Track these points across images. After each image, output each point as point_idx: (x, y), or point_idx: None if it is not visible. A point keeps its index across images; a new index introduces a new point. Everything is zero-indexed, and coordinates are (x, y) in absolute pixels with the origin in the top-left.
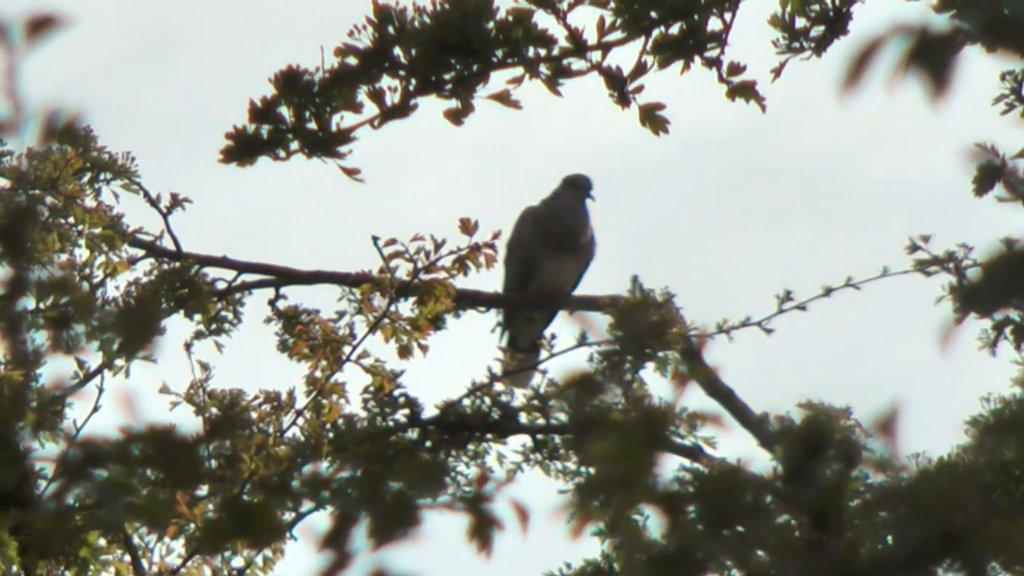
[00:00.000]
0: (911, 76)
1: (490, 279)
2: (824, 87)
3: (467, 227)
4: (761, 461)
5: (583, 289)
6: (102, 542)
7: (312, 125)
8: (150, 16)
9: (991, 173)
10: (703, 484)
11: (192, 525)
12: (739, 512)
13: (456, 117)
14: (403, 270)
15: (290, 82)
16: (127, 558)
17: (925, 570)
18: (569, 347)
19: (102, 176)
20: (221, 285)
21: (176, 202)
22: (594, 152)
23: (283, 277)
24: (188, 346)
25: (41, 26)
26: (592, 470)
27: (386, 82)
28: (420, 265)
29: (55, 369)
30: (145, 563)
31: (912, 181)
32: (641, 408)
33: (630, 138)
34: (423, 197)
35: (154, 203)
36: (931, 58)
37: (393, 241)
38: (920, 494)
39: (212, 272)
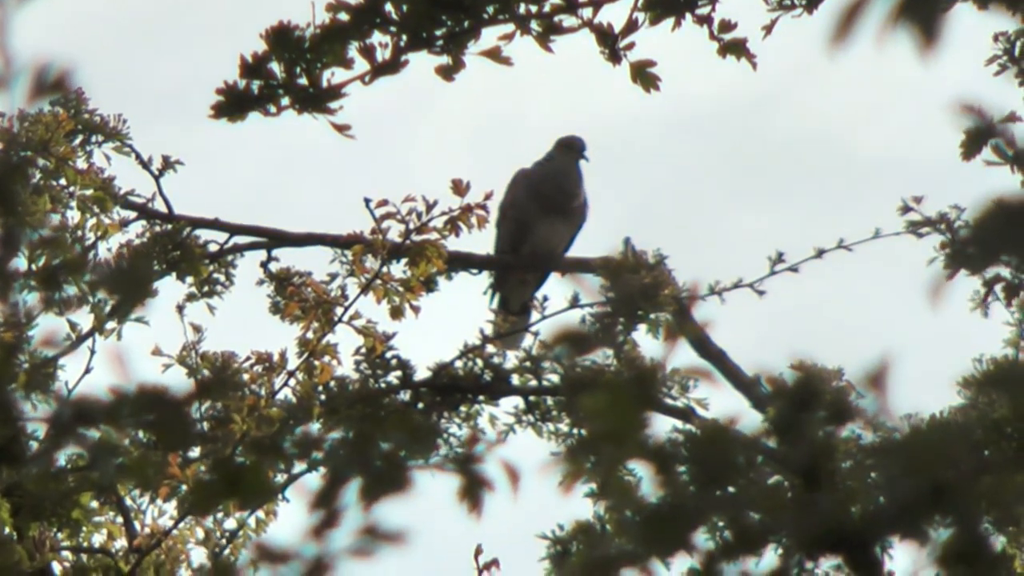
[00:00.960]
0: (900, 29)
1: (482, 241)
2: (823, 61)
3: (459, 188)
4: (752, 421)
5: (576, 251)
6: (94, 504)
7: (303, 81)
8: None
9: (980, 135)
10: (694, 444)
11: (184, 487)
12: (730, 472)
13: (447, 73)
14: (395, 231)
15: (281, 37)
16: (119, 520)
17: (917, 526)
18: (561, 309)
19: (94, 138)
20: (213, 247)
21: (168, 164)
22: (593, 122)
23: (275, 239)
24: (180, 308)
25: None
26: (584, 431)
27: (377, 38)
28: (412, 226)
29: (47, 329)
30: (137, 525)
31: (910, 155)
32: (633, 365)
33: (629, 109)
34: (418, 163)
35: (146, 165)
36: (920, 11)
37: (385, 202)
38: (912, 450)
39: (204, 235)
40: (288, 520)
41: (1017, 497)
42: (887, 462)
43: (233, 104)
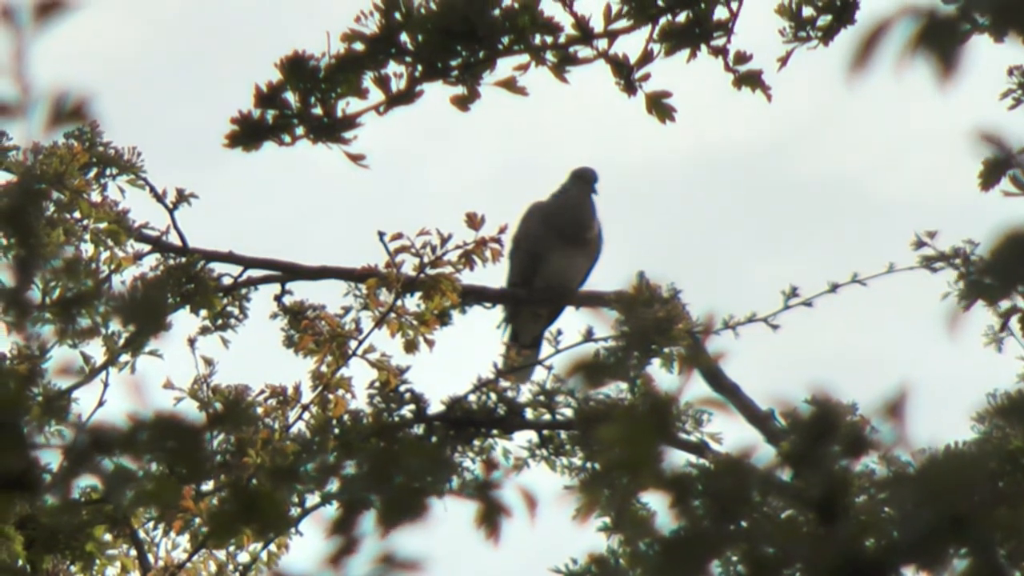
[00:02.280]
0: (919, 59)
1: (496, 274)
2: (842, 104)
3: (473, 222)
4: (766, 454)
5: (591, 285)
6: (108, 536)
7: (317, 111)
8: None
9: (998, 166)
10: (708, 478)
11: (197, 520)
12: (744, 505)
13: (462, 103)
14: (409, 265)
15: (295, 67)
16: (133, 552)
17: (934, 556)
18: (575, 343)
19: (108, 171)
20: (227, 280)
21: (182, 197)
22: (615, 163)
23: (289, 272)
24: (192, 341)
25: (49, 9)
26: (598, 464)
27: (392, 68)
28: (426, 260)
29: (61, 360)
30: (151, 557)
31: (930, 199)
32: (649, 395)
33: (651, 151)
34: (436, 197)
35: (160, 198)
36: (939, 40)
37: (399, 235)
38: (928, 480)
39: (218, 268)
40: (300, 554)
41: None
42: (903, 492)
43: (248, 134)
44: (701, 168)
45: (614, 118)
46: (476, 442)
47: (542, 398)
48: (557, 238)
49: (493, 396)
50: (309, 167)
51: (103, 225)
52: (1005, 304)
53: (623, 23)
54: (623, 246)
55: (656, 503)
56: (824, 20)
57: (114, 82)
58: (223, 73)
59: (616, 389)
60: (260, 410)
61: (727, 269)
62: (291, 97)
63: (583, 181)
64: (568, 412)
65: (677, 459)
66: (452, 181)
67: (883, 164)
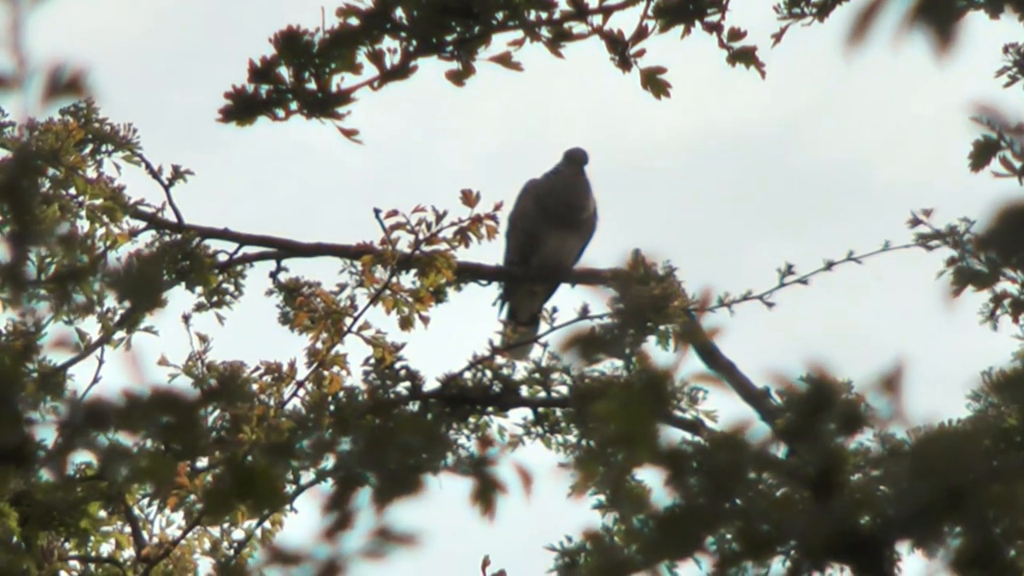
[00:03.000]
0: (916, 31)
1: (492, 252)
2: (846, 91)
3: (469, 199)
4: (761, 431)
5: (586, 263)
6: (103, 514)
7: (312, 86)
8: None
9: (988, 148)
10: (704, 454)
11: (192, 497)
12: (740, 480)
13: (457, 79)
14: (405, 242)
15: (290, 42)
16: (128, 529)
17: (928, 532)
18: (570, 320)
19: (104, 148)
20: (223, 257)
21: (178, 174)
22: (617, 146)
23: (285, 249)
24: (187, 318)
25: None
26: (593, 442)
27: (387, 43)
28: (422, 237)
29: (57, 334)
30: (146, 534)
31: (931, 184)
32: (645, 369)
33: (653, 136)
34: (434, 176)
35: (156, 175)
36: (936, 13)
37: (394, 212)
38: (924, 455)
39: (214, 244)
40: (295, 531)
41: None
42: (898, 468)
43: (241, 108)
44: (702, 151)
45: (617, 100)
46: (472, 419)
47: (538, 375)
48: (551, 220)
49: (489, 373)
50: (304, 146)
51: (99, 202)
52: (997, 290)
53: None
54: (622, 227)
55: (651, 480)
56: None
57: (113, 64)
58: (223, 58)
59: (611, 366)
60: (255, 387)
61: (726, 251)
62: (285, 72)
63: (573, 162)
64: (564, 390)
65: (673, 437)
66: (452, 163)
67: (884, 148)
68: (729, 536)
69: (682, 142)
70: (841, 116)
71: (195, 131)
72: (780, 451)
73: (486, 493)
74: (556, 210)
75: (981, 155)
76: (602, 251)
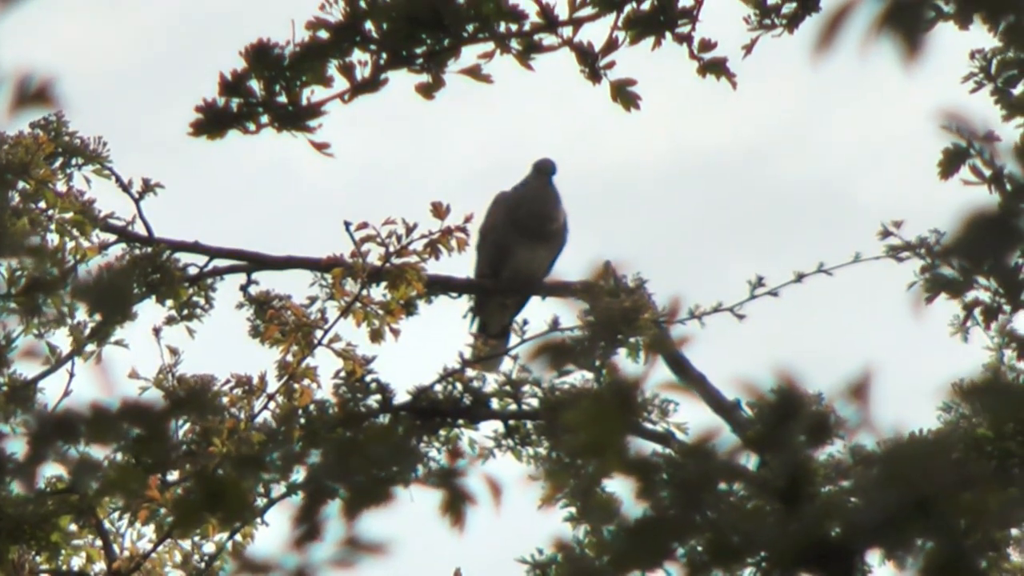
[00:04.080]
0: (883, 39)
1: (462, 265)
2: (821, 111)
3: (439, 211)
4: (728, 439)
5: (558, 275)
6: (73, 527)
7: (282, 99)
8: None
9: (957, 156)
10: (673, 467)
11: (163, 510)
12: (708, 495)
13: (427, 91)
14: (375, 254)
15: (260, 55)
16: (99, 543)
17: (898, 540)
18: (540, 332)
19: (74, 161)
20: (193, 271)
21: (148, 187)
22: (595, 166)
23: (255, 263)
24: (157, 331)
25: None
26: (563, 454)
27: (357, 56)
28: (392, 249)
29: (26, 345)
30: (116, 548)
31: (906, 205)
32: (615, 378)
33: (631, 156)
34: (411, 196)
35: (126, 188)
36: (903, 21)
37: (365, 225)
38: (893, 464)
39: (184, 258)
40: (266, 544)
41: (998, 514)
42: (868, 476)
43: (212, 122)
44: (676, 170)
45: (593, 120)
46: (442, 432)
47: (508, 388)
48: (521, 231)
49: (459, 386)
50: (278, 165)
51: (69, 215)
52: (969, 297)
53: (588, 11)
54: (595, 242)
55: (621, 491)
56: (789, 8)
57: (89, 81)
58: (200, 76)
59: (581, 378)
60: (226, 399)
61: (699, 269)
62: (256, 85)
63: (542, 173)
64: (534, 402)
65: (643, 448)
66: (427, 182)
67: (859, 168)
68: (699, 547)
69: (657, 161)
70: (815, 135)
71: (168, 148)
72: (750, 462)
73: (455, 505)
74: (526, 222)
75: (951, 163)
76: (573, 264)
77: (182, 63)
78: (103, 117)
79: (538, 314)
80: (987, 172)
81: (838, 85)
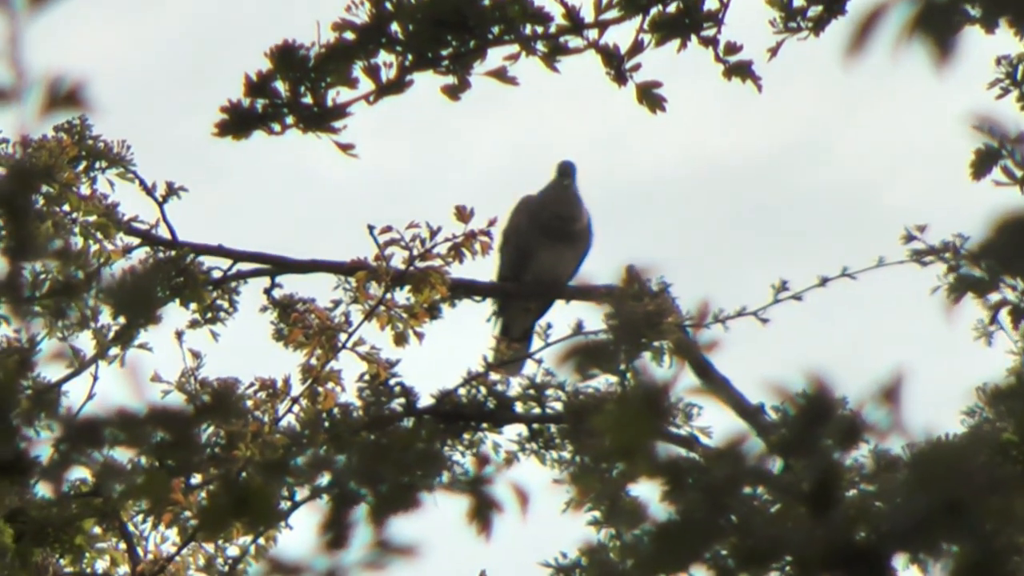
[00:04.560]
0: (914, 43)
1: (486, 269)
2: (848, 118)
3: (462, 215)
4: (754, 444)
5: (583, 279)
6: (97, 530)
7: (307, 100)
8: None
9: (989, 157)
10: (699, 472)
11: (187, 513)
12: (735, 500)
13: (453, 93)
14: (399, 258)
15: (285, 57)
16: (122, 546)
17: (926, 545)
18: (564, 336)
19: (97, 164)
20: (216, 274)
21: (172, 191)
22: (621, 171)
23: (278, 266)
24: (180, 335)
25: None
26: (588, 457)
27: (382, 58)
28: (416, 253)
29: (51, 348)
30: (140, 551)
31: (933, 212)
32: (642, 381)
33: (660, 163)
34: (437, 203)
35: (150, 192)
36: (935, 24)
37: (388, 229)
38: (921, 468)
39: (208, 261)
40: (290, 548)
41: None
42: (896, 481)
43: (237, 122)
44: (702, 178)
45: (621, 127)
46: (466, 436)
47: (532, 392)
48: (544, 234)
49: (483, 390)
50: (304, 171)
51: (92, 218)
52: (994, 297)
53: (613, 13)
54: (621, 248)
55: (647, 496)
56: (815, 11)
57: (116, 88)
58: (227, 83)
59: (606, 383)
60: (249, 403)
61: (725, 276)
62: (281, 86)
63: (563, 175)
64: (558, 406)
65: (671, 451)
66: (453, 189)
67: (884, 175)
68: (724, 551)
69: (682, 168)
70: (840, 142)
71: (192, 153)
72: (775, 466)
73: (482, 512)
74: (549, 223)
75: (982, 164)
76: (599, 269)
77: (207, 69)
78: (127, 122)
79: (561, 318)
80: (1018, 173)
81: (863, 92)
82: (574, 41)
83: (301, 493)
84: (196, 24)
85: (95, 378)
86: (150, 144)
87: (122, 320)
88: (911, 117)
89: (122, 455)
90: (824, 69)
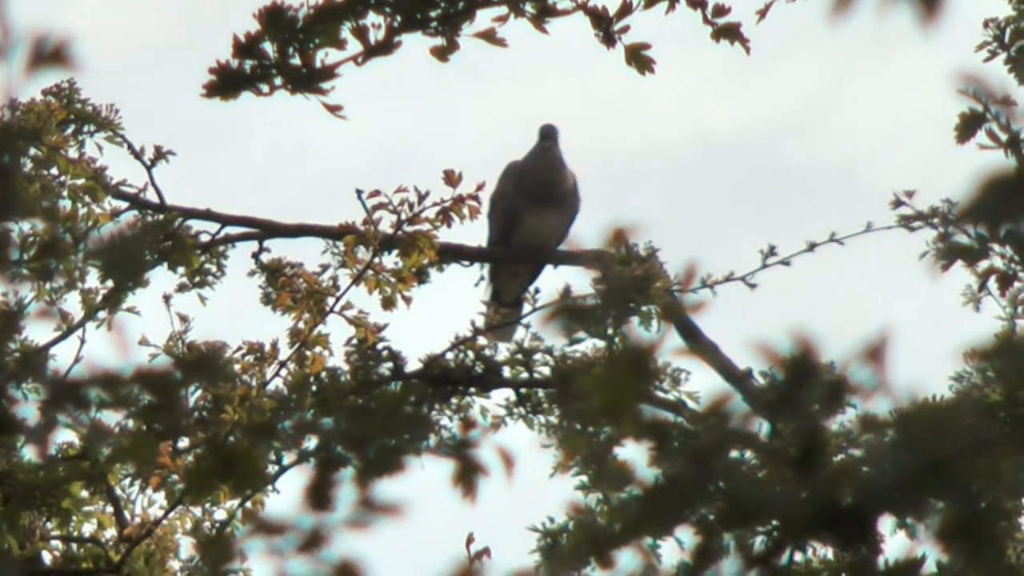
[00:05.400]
0: (901, 1)
1: (475, 233)
2: (841, 94)
3: (451, 179)
4: (739, 405)
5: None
6: (84, 493)
7: (296, 61)
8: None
9: (974, 120)
10: (686, 433)
11: (174, 476)
12: (722, 461)
13: (442, 54)
14: (387, 222)
15: (274, 17)
16: (109, 509)
17: (911, 505)
18: (553, 301)
19: (86, 128)
20: (205, 238)
21: (160, 154)
22: (615, 145)
23: (267, 230)
24: (167, 298)
25: None
26: (576, 420)
27: (371, 19)
28: (404, 217)
29: (39, 308)
30: (127, 514)
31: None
32: (629, 341)
33: (653, 137)
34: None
35: (138, 155)
36: None
37: (377, 193)
38: (907, 427)
39: (196, 225)
40: (277, 511)
41: (1010, 482)
42: (882, 441)
43: (225, 83)
44: (696, 152)
45: (617, 101)
46: (454, 400)
47: (520, 356)
48: (529, 199)
49: (471, 354)
50: (289, 122)
51: (80, 182)
52: (983, 265)
53: None
54: (613, 218)
55: (634, 460)
56: None
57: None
58: (212, 56)
59: (593, 346)
60: (237, 366)
61: (714, 245)
62: (269, 47)
63: (544, 138)
64: (546, 370)
65: (657, 413)
66: (446, 158)
67: (878, 149)
68: (710, 514)
69: (676, 142)
70: (833, 116)
71: (184, 121)
72: (762, 429)
73: (468, 476)
74: (532, 188)
75: (967, 127)
76: (589, 233)
77: (201, 39)
78: (118, 89)
79: (551, 284)
80: (1003, 137)
81: (857, 66)
82: (562, 3)
83: (288, 457)
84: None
85: (82, 341)
86: (142, 111)
87: (110, 284)
88: (906, 91)
89: (109, 418)
90: (817, 45)
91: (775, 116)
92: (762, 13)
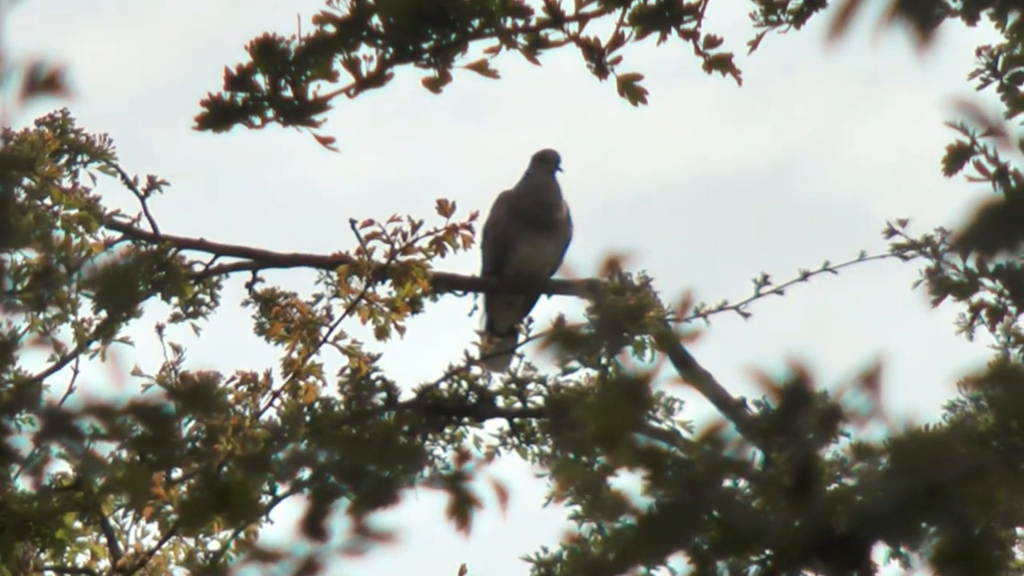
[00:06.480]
0: (896, 26)
1: (468, 263)
2: (845, 130)
3: (444, 208)
4: (733, 433)
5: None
6: (78, 524)
7: (288, 93)
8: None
9: (961, 152)
10: (680, 462)
11: (168, 507)
12: (716, 493)
13: (434, 86)
14: (380, 252)
15: (266, 50)
16: (103, 540)
17: (906, 531)
18: (546, 330)
19: (79, 158)
20: (198, 268)
21: (153, 184)
22: (619, 181)
23: (260, 260)
24: (160, 328)
25: None
26: (570, 449)
27: (363, 51)
28: (397, 246)
29: (33, 336)
30: (121, 545)
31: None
32: (624, 370)
33: (657, 172)
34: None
35: (131, 185)
36: (916, 8)
37: (370, 222)
38: (902, 454)
39: (189, 255)
40: (271, 542)
41: (1004, 510)
42: (877, 468)
43: (217, 116)
44: (699, 188)
45: (620, 137)
46: (447, 430)
47: (513, 386)
48: (523, 225)
49: (464, 384)
50: (281, 153)
51: (74, 212)
52: (975, 298)
53: (594, 6)
54: (610, 250)
55: (629, 488)
56: (795, 3)
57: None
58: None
59: (587, 376)
60: (231, 397)
61: (717, 282)
62: (261, 80)
63: (544, 163)
64: (539, 400)
65: (652, 441)
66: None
67: (881, 185)
68: (705, 542)
69: (682, 179)
70: (836, 153)
71: (181, 157)
72: (756, 458)
73: (462, 508)
74: (528, 212)
75: (955, 160)
76: (583, 264)
77: (201, 76)
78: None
79: (545, 313)
80: (991, 168)
81: (860, 100)
82: (555, 34)
83: (282, 487)
84: (195, 27)
85: (76, 371)
86: (140, 144)
87: (103, 314)
88: (907, 128)
89: (103, 449)
90: (820, 81)
91: (777, 150)
92: (753, 44)
